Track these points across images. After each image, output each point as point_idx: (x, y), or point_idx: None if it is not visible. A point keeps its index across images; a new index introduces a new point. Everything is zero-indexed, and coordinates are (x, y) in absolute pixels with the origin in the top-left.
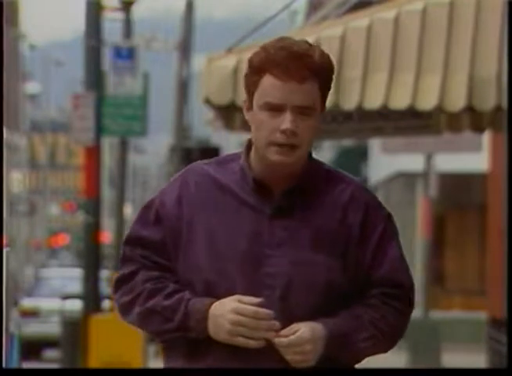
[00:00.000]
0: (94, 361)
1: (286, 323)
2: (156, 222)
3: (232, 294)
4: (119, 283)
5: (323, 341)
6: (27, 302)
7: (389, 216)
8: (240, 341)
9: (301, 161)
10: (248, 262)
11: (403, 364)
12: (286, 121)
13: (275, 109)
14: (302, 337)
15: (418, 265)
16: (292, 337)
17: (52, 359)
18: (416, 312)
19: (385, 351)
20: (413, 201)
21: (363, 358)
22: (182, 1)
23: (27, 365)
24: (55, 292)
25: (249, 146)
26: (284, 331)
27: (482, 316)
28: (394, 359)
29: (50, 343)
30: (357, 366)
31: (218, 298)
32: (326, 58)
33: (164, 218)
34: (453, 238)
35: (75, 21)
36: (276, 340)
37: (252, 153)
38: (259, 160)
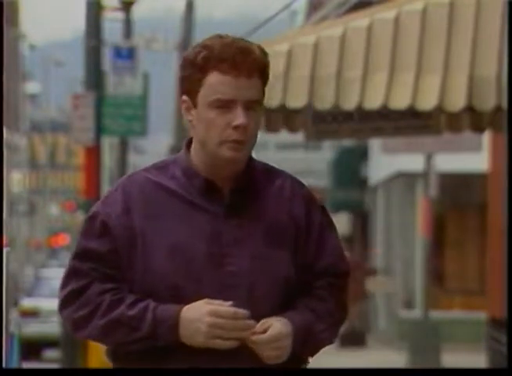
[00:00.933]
0: (94, 361)
1: (252, 320)
2: (103, 233)
3: (199, 297)
4: (70, 298)
5: (292, 337)
6: (27, 302)
7: (324, 208)
8: (217, 343)
9: (247, 157)
10: (210, 263)
11: (403, 364)
12: (238, 116)
13: (226, 105)
14: (280, 332)
15: (418, 265)
16: (271, 332)
17: (52, 359)
18: (416, 312)
19: (334, 341)
20: (413, 201)
21: (318, 350)
22: (182, 1)
23: (27, 365)
24: (55, 292)
25: (188, 147)
26: (257, 327)
27: (482, 316)
28: (394, 359)
29: (50, 343)
30: (357, 366)
31: (185, 301)
32: (266, 54)
33: (112, 229)
34: (453, 238)
35: (75, 21)
36: (255, 337)
37: (194, 154)
38: (207, 159)
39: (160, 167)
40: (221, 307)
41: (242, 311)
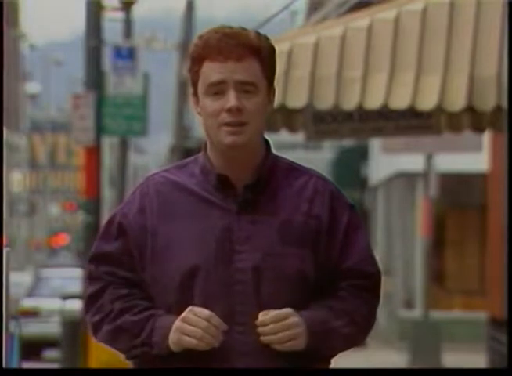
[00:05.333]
0: (94, 361)
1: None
2: (119, 235)
3: (208, 294)
4: (88, 303)
5: (306, 329)
6: (27, 302)
7: (352, 206)
8: (187, 340)
9: (255, 146)
10: (219, 260)
11: (403, 364)
12: (229, 99)
13: (219, 91)
14: (285, 311)
15: (418, 265)
16: (278, 311)
17: (52, 359)
18: (416, 312)
19: (359, 343)
20: (413, 201)
21: (341, 349)
22: (182, 1)
23: (27, 365)
24: (55, 292)
25: (206, 145)
26: (260, 315)
27: (482, 316)
28: (394, 359)
29: (50, 343)
30: (357, 366)
31: (195, 300)
32: (263, 38)
33: (128, 229)
34: (453, 238)
35: (75, 21)
36: (261, 318)
37: (209, 151)
38: (217, 152)
39: (181, 166)
40: (200, 307)
41: (219, 319)
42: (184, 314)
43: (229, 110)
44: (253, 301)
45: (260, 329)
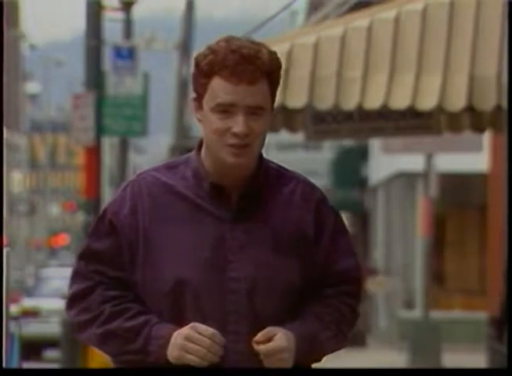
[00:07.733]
0: (94, 361)
1: (254, 326)
2: (109, 233)
3: (200, 303)
4: (73, 300)
5: (295, 348)
6: (27, 302)
7: (337, 213)
8: (190, 358)
9: (254, 161)
10: (211, 269)
11: (403, 364)
12: (238, 123)
13: (227, 110)
14: (279, 345)
15: (418, 265)
16: (270, 344)
17: (52, 359)
18: (416, 312)
19: (343, 347)
20: (414, 201)
21: (323, 357)
22: (182, 1)
23: (27, 365)
24: (55, 292)
25: (199, 148)
26: (259, 336)
27: (482, 316)
28: (394, 359)
29: (50, 343)
30: (357, 366)
31: (186, 307)
32: (274, 58)
33: (119, 228)
34: (453, 238)
35: (75, 21)
36: (255, 347)
37: (204, 156)
38: (213, 162)
39: (171, 166)
40: (202, 325)
41: (221, 336)
42: (187, 331)
43: (236, 134)
44: (246, 310)
45: (255, 346)
